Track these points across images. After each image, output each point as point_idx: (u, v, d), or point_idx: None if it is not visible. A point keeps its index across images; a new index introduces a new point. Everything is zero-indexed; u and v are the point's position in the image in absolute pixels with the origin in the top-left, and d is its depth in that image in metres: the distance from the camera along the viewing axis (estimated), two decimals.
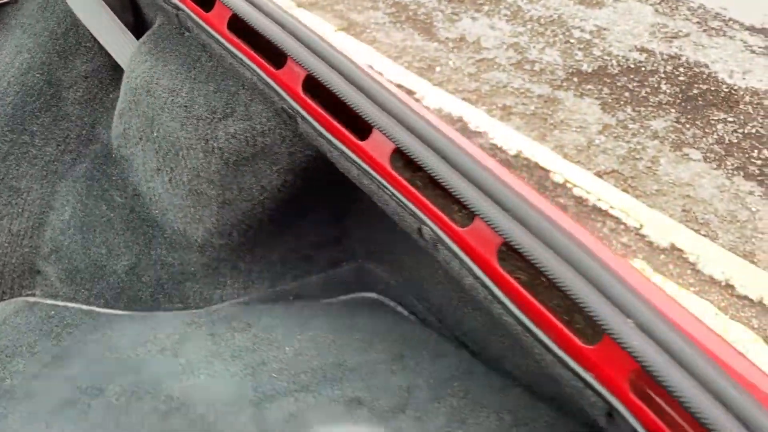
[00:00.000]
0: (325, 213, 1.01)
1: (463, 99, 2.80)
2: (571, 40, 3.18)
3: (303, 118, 0.78)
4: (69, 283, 0.96)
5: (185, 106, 0.88)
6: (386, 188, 0.69)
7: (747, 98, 2.85)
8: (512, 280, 0.60)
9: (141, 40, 0.96)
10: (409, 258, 0.94)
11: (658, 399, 0.54)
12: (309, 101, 0.76)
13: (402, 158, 0.69)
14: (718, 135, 2.64)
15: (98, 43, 1.00)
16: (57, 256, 0.97)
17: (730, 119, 2.72)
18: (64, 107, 1.00)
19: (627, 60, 3.05)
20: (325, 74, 0.72)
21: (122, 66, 1.00)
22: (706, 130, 2.66)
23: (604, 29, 3.27)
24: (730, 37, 3.24)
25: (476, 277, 0.63)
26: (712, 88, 2.89)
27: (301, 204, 0.97)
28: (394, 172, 0.68)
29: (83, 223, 0.98)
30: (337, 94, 0.71)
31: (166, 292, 0.96)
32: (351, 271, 1.04)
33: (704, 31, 3.29)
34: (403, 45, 3.12)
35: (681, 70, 3.00)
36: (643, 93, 2.85)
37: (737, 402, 0.49)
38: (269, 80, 0.78)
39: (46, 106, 0.99)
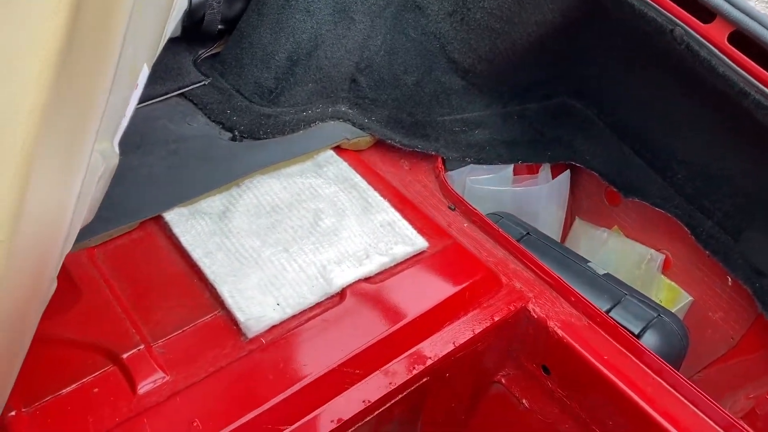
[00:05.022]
0: (548, 56, 1.34)
1: None
2: None
3: None
4: (374, 89, 1.31)
5: None
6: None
7: None
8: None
9: None
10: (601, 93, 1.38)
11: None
12: None
13: None
14: None
15: None
16: (369, 70, 1.31)
17: None
18: None
19: None
20: None
21: None
22: None
23: None
24: None
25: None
26: None
27: (543, 44, 1.28)
28: None
29: (389, 48, 1.31)
30: None
31: (438, 101, 1.33)
32: (557, 104, 1.43)
33: None
34: None
35: None
36: None
37: None
38: None
39: None
